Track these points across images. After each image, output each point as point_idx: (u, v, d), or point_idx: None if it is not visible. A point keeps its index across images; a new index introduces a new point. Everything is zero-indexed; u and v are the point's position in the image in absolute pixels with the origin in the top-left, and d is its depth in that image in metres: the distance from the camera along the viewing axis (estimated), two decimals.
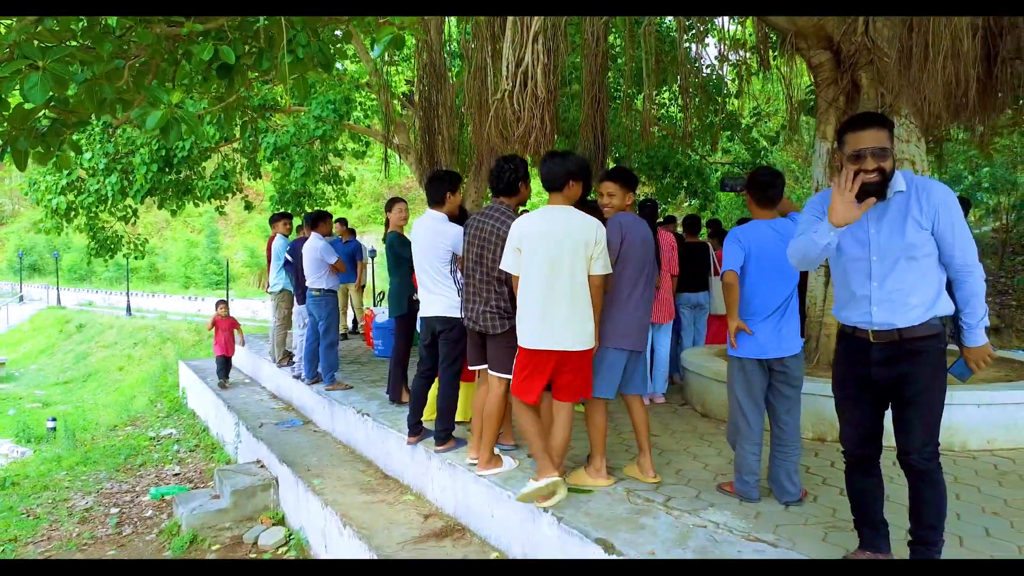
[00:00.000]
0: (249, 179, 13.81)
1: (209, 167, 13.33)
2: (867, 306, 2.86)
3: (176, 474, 8.15)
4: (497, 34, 6.60)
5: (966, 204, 9.30)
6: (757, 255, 3.81)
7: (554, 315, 3.88)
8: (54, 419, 14.67)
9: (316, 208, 13.30)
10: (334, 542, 4.87)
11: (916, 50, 5.49)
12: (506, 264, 4.11)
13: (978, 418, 4.86)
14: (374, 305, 12.88)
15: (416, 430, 5.22)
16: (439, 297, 4.94)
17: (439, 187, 5.05)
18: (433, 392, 5.30)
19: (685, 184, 15.86)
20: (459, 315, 4.91)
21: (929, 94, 5.42)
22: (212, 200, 13.35)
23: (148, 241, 15.47)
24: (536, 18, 5.34)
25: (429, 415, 5.33)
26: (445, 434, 4.97)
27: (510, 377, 4.29)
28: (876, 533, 3.00)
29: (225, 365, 9.52)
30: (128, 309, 32.88)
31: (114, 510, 7.04)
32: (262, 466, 6.65)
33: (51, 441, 13.32)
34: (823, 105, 6.36)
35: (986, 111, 7.06)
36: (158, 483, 7.81)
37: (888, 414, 2.94)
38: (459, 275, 5.00)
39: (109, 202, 11.91)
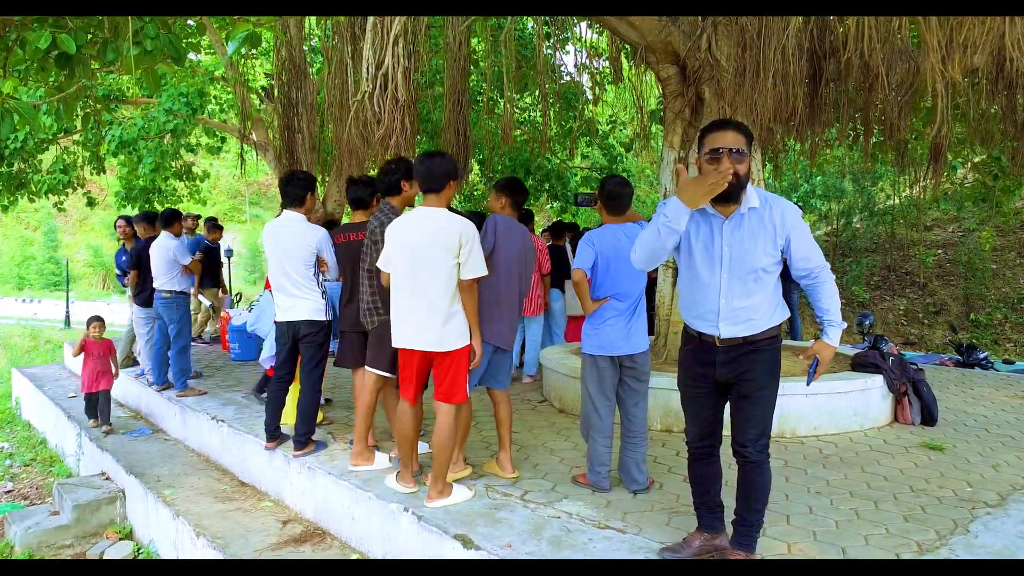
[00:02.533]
0: (92, 174, 12.98)
1: (46, 160, 12.42)
2: (715, 320, 2.99)
3: (8, 491, 7.51)
4: (358, 34, 6.55)
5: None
6: (608, 257, 4.01)
7: (416, 315, 3.87)
8: None
9: (167, 206, 12.69)
10: (187, 553, 4.68)
11: (749, 69, 5.94)
12: (380, 262, 4.08)
13: (806, 407, 5.30)
14: (230, 307, 12.37)
15: (274, 435, 5.12)
16: (304, 301, 4.86)
17: (298, 188, 4.95)
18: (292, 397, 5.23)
19: (547, 187, 16.26)
20: (325, 318, 4.90)
21: (760, 109, 5.88)
22: (50, 195, 12.46)
23: None
24: (396, 21, 5.35)
25: (286, 420, 5.24)
26: (305, 438, 4.91)
27: (382, 373, 4.42)
28: (712, 515, 3.24)
29: (94, 402, 7.03)
30: None
31: None
32: (107, 478, 6.28)
33: None
34: (670, 116, 6.73)
35: (814, 126, 7.71)
36: None
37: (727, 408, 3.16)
38: (322, 277, 4.96)
39: None
